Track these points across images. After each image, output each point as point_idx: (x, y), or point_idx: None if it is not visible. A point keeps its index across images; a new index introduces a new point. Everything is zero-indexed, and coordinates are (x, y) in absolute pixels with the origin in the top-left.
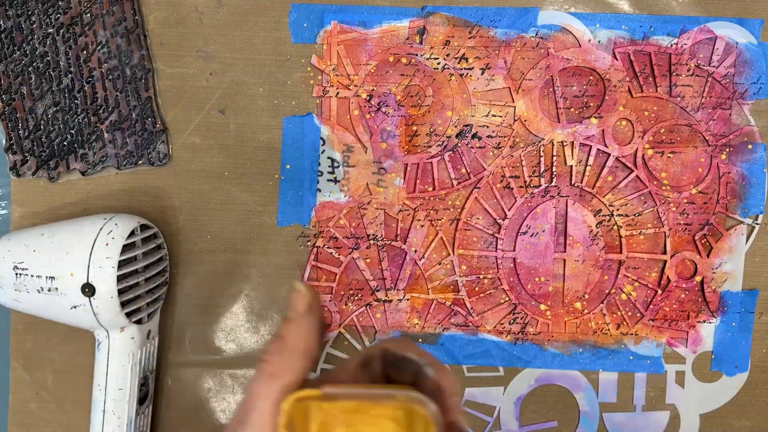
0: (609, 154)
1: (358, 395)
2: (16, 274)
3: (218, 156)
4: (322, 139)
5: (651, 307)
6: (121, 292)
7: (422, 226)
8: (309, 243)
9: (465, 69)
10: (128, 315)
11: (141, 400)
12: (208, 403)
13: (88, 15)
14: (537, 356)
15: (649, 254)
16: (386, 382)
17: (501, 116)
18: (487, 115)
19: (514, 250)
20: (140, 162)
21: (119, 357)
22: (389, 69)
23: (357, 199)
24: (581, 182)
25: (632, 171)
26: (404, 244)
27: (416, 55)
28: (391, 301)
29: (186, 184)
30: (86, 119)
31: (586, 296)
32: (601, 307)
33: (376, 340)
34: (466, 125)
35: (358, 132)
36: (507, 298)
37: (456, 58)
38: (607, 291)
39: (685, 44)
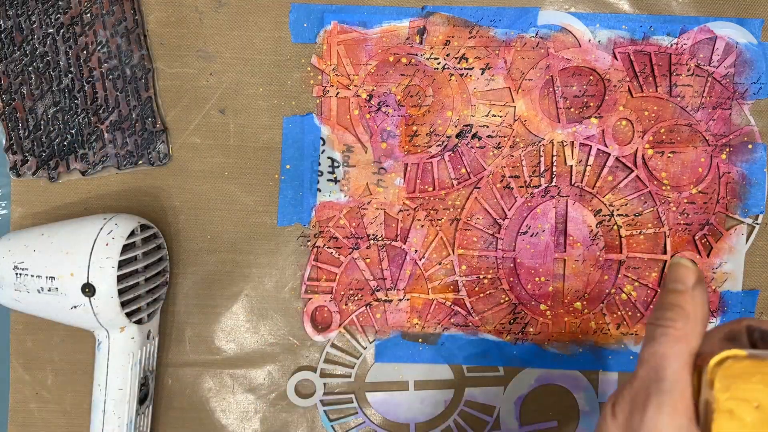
0: (609, 154)
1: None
2: (16, 274)
3: (218, 156)
4: (322, 139)
5: (651, 307)
6: (121, 292)
7: (422, 226)
8: (309, 243)
9: (465, 69)
10: (128, 315)
11: (141, 400)
12: (208, 403)
13: (88, 15)
14: (537, 356)
15: (649, 254)
16: None
17: (501, 116)
18: (487, 115)
19: (514, 250)
20: (140, 162)
21: (119, 357)
22: (389, 69)
23: (357, 199)
24: (581, 182)
25: (632, 171)
26: (404, 244)
27: (416, 55)
28: (391, 301)
29: (186, 184)
30: (86, 119)
31: (586, 296)
32: (601, 307)
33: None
34: (466, 125)
35: (358, 132)
36: (507, 298)
37: (456, 58)
38: (607, 291)
39: (685, 44)
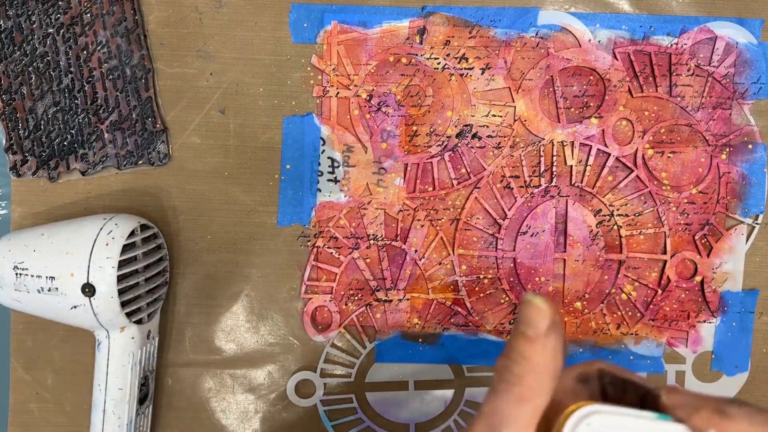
0: (609, 154)
1: (630, 414)
2: (16, 274)
3: (218, 156)
4: (322, 139)
5: (651, 307)
6: (121, 292)
7: (422, 226)
8: (309, 243)
9: (465, 69)
10: (128, 315)
11: (141, 400)
12: (208, 403)
13: (88, 15)
14: None
15: (649, 254)
16: (604, 400)
17: (501, 116)
18: (487, 115)
19: (514, 250)
20: (140, 162)
21: (119, 357)
22: (389, 69)
23: (357, 199)
24: (581, 182)
25: (632, 171)
26: (404, 244)
27: (416, 55)
28: (391, 301)
29: (186, 184)
30: (86, 119)
31: (586, 296)
32: (601, 307)
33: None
34: (466, 125)
35: (358, 132)
36: (507, 298)
37: (456, 58)
38: (607, 291)
39: (685, 44)
